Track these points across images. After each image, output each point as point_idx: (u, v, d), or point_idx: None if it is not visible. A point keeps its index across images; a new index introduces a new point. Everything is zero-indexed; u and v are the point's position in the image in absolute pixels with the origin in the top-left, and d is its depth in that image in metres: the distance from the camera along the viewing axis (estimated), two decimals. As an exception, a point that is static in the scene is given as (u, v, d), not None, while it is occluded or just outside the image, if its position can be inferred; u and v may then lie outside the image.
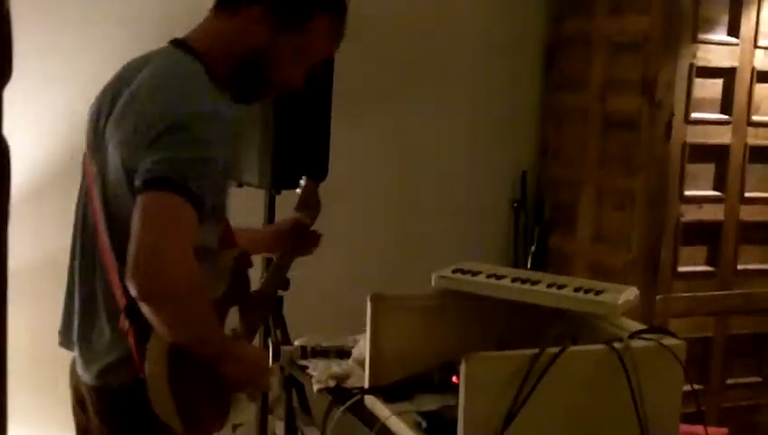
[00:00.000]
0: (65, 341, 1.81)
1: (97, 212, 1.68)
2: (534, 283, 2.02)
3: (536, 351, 1.62)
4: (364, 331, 2.05)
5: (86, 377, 1.73)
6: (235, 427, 1.79)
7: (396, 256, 3.57)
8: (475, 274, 2.08)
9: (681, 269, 3.24)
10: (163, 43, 1.76)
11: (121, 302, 1.60)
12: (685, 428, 1.96)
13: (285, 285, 2.86)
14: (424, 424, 1.81)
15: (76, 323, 1.75)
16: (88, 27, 3.03)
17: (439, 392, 1.96)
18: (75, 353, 1.77)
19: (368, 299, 2.01)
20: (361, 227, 3.58)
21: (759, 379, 3.46)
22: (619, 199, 3.34)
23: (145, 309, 1.52)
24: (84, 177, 1.76)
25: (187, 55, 1.69)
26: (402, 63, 3.56)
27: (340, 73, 2.91)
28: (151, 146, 1.55)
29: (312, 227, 2.19)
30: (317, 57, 1.80)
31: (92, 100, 1.79)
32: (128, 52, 1.82)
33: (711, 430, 2.19)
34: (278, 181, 2.69)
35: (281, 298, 2.92)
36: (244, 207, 2.67)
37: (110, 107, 1.70)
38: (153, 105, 1.60)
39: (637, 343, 1.74)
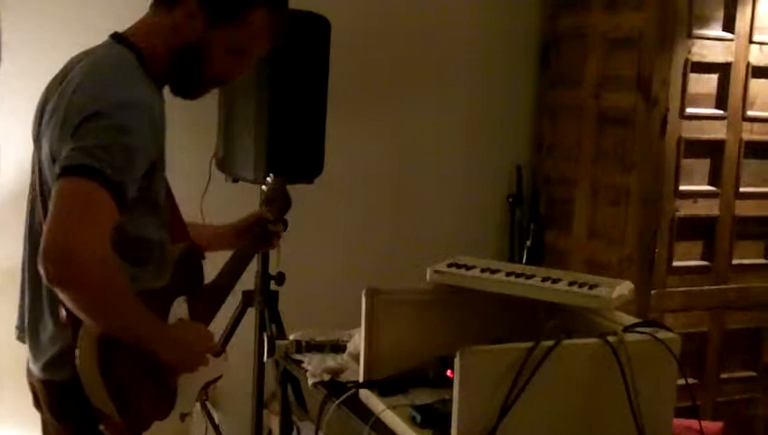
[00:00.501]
0: (22, 335, 1.80)
1: (38, 204, 1.69)
2: (529, 277, 2.02)
3: (530, 344, 1.62)
4: (359, 325, 2.05)
5: (35, 371, 1.73)
6: (183, 416, 1.77)
7: (391, 251, 3.57)
8: (469, 268, 2.08)
9: (676, 264, 3.25)
10: None
11: None
12: (679, 422, 1.97)
13: (279, 279, 2.87)
14: (418, 418, 1.81)
15: (26, 317, 1.76)
16: (89, 28, 3.01)
17: (434, 387, 1.96)
18: (27, 348, 1.78)
19: (363, 294, 2.01)
20: (357, 221, 3.58)
21: (754, 373, 3.46)
22: (614, 195, 3.34)
23: (61, 295, 1.52)
24: (33, 171, 1.77)
25: (125, 49, 1.71)
26: (398, 59, 3.56)
27: (338, 69, 2.90)
28: (74, 135, 1.56)
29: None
30: (254, 51, 1.81)
31: None
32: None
33: (706, 424, 2.19)
34: (273, 177, 2.68)
35: (276, 293, 2.92)
36: (240, 203, 2.66)
37: (50, 100, 1.70)
38: (81, 95, 1.61)
39: (631, 337, 1.74)
